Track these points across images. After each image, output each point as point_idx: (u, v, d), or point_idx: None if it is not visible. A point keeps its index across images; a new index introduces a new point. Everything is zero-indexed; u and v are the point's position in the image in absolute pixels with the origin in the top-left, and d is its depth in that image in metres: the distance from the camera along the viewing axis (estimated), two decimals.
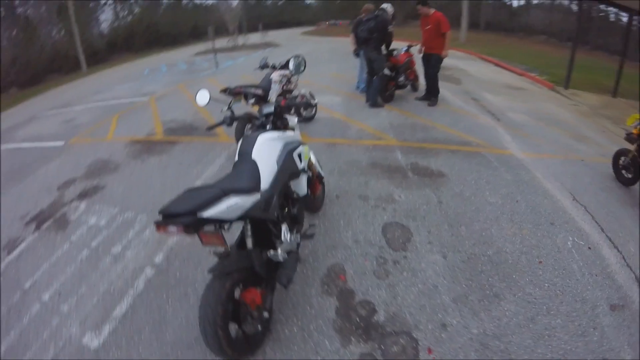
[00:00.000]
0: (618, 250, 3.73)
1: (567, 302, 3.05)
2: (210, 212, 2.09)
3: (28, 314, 3.39)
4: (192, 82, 13.46)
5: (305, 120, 7.10)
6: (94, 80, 20.43)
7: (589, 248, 3.71)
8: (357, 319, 2.90)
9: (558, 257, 3.54)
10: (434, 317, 2.88)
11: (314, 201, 4.00)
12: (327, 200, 4.37)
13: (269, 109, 3.35)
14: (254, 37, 28.63)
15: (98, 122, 9.22)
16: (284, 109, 3.36)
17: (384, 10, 7.75)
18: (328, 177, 4.83)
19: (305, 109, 6.73)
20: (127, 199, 4.91)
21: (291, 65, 5.36)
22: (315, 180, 3.93)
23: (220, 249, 2.42)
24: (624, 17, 13.03)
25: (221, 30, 31.50)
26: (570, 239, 3.82)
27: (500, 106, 8.26)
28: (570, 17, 29.02)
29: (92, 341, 2.96)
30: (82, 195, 5.19)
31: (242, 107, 5.59)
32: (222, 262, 2.40)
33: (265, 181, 2.67)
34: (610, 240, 3.86)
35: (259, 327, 2.58)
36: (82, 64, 28.28)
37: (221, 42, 26.33)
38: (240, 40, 29.51)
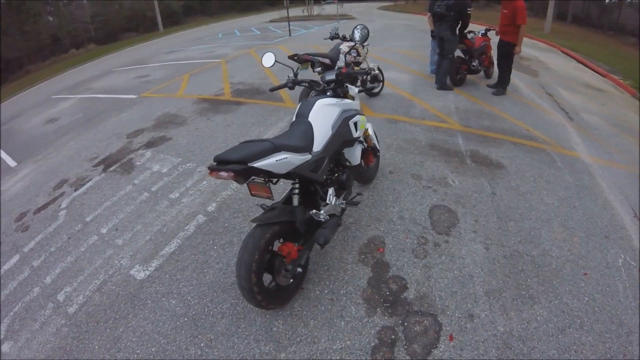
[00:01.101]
0: None
1: (603, 322, 2.86)
2: (260, 163, 2.16)
3: (85, 244, 3.65)
4: (264, 48, 13.43)
5: (371, 94, 6.95)
6: (169, 40, 20.97)
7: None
8: (387, 293, 2.89)
9: (605, 273, 3.30)
10: (463, 306, 2.81)
11: (366, 172, 3.97)
12: (380, 174, 4.30)
13: (331, 76, 3.31)
14: (330, 8, 27.95)
15: (170, 79, 9.50)
16: (344, 76, 3.30)
17: None
18: (384, 151, 4.74)
19: (369, 82, 6.59)
20: (189, 151, 5.08)
21: (356, 34, 5.22)
22: (370, 152, 3.89)
23: (267, 202, 2.49)
24: None
25: None
26: (622, 257, 3.54)
27: (575, 105, 7.64)
28: None
29: (139, 273, 3.17)
30: (149, 144, 5.43)
31: (309, 75, 5.54)
32: (266, 213, 2.49)
33: (318, 143, 2.70)
34: None
35: (291, 280, 2.66)
36: (159, 24, 28.93)
37: (296, 11, 25.99)
38: (316, 10, 28.90)
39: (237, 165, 2.09)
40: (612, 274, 3.31)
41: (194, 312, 2.80)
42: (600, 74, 11.48)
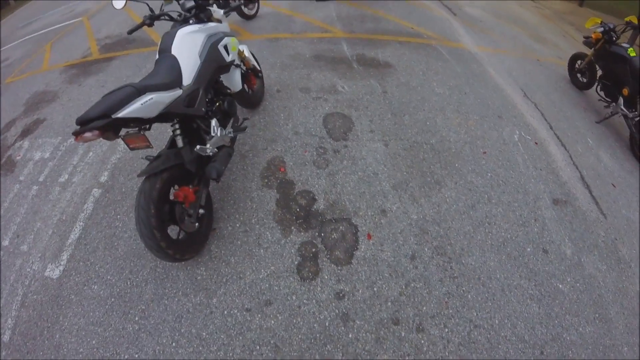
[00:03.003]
0: (565, 149, 3.86)
1: (509, 192, 3.17)
2: (125, 112, 2.03)
3: None
4: None
5: (247, 17, 6.69)
6: (23, 12, 18.60)
7: (536, 143, 3.83)
8: (297, 209, 2.94)
9: (503, 149, 3.64)
10: (374, 204, 2.93)
11: (251, 96, 3.87)
12: (268, 95, 4.22)
13: (190, 2, 3.13)
14: None
15: (31, 55, 8.51)
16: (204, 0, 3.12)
17: None
18: (269, 71, 4.64)
19: (243, 6, 6.33)
20: (67, 127, 4.69)
21: None
22: (251, 75, 3.79)
23: (151, 152, 2.36)
24: None
25: None
26: (517, 132, 3.91)
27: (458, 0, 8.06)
28: None
29: (54, 272, 2.97)
30: (24, 133, 4.92)
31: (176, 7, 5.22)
32: (152, 163, 2.39)
33: (188, 76, 2.59)
34: (558, 138, 3.98)
35: (197, 224, 2.60)
36: None
37: None
38: None
39: (100, 120, 1.94)
40: (510, 149, 3.66)
41: (118, 290, 2.68)
42: None
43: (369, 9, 6.98)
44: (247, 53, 3.65)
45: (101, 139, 2.01)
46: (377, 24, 6.25)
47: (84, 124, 1.96)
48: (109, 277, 2.79)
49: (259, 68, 3.94)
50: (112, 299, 2.66)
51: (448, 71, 4.77)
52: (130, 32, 3.18)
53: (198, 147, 2.62)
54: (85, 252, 3.02)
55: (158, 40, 6.20)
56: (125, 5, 3.10)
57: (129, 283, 2.71)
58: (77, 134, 1.96)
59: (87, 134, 1.94)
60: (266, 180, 3.20)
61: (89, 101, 5.14)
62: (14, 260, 3.25)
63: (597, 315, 2.64)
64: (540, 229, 2.96)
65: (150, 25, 3.05)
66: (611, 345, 2.53)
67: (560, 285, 2.70)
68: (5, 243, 3.45)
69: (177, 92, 2.42)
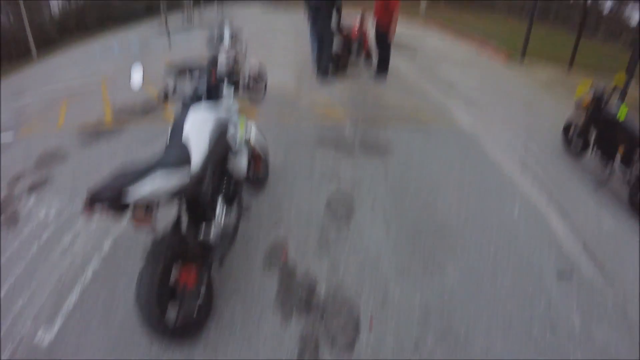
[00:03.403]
0: (566, 218, 3.89)
1: (513, 270, 3.18)
2: (134, 192, 2.08)
3: None
4: (145, 61, 13.03)
5: (254, 96, 7.00)
6: (44, 65, 19.54)
7: (536, 216, 3.85)
8: (299, 295, 2.93)
9: (504, 225, 3.68)
10: (376, 290, 2.94)
11: (257, 177, 3.97)
12: (272, 178, 4.34)
13: (203, 84, 3.30)
14: (210, 15, 27.88)
15: (48, 110, 8.88)
16: (216, 83, 3.31)
17: None
18: (274, 153, 4.80)
19: (252, 82, 6.63)
20: (75, 189, 4.79)
21: (225, 35, 5.26)
22: (257, 156, 3.90)
23: (154, 231, 2.40)
24: None
25: (176, 6, 30.41)
26: (517, 207, 3.95)
27: (453, 79, 8.40)
28: None
29: (45, 338, 2.93)
30: (32, 188, 5.03)
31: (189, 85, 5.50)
32: (155, 244, 2.40)
33: (197, 160, 2.63)
34: (558, 208, 4.02)
35: (198, 306, 2.58)
36: (32, 49, 26.88)
37: (176, 18, 25.60)
38: (196, 15, 28.66)
39: (110, 199, 2.01)
40: (511, 225, 3.72)
41: None
42: (474, 47, 12.64)
43: (370, 91, 7.30)
44: (254, 136, 3.78)
45: (109, 215, 2.06)
46: (377, 106, 6.55)
47: (94, 198, 2.01)
48: (101, 350, 2.74)
49: (265, 151, 4.06)
50: None
51: (447, 151, 4.93)
52: (146, 112, 3.34)
53: (203, 231, 2.67)
54: (79, 323, 2.96)
55: (170, 115, 6.47)
56: (142, 82, 3.33)
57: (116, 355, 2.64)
58: (86, 207, 2.01)
59: (97, 209, 1.99)
60: (268, 263, 3.23)
61: (99, 167, 5.28)
62: (7, 315, 3.21)
63: None
64: (546, 304, 2.92)
65: (165, 102, 3.22)
66: None
67: None
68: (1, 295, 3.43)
69: (186, 176, 2.47)
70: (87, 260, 3.57)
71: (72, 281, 3.36)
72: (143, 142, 5.88)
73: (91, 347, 2.77)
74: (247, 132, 3.56)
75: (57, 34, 31.86)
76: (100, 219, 3.98)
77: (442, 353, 2.57)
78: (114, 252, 3.61)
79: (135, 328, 2.77)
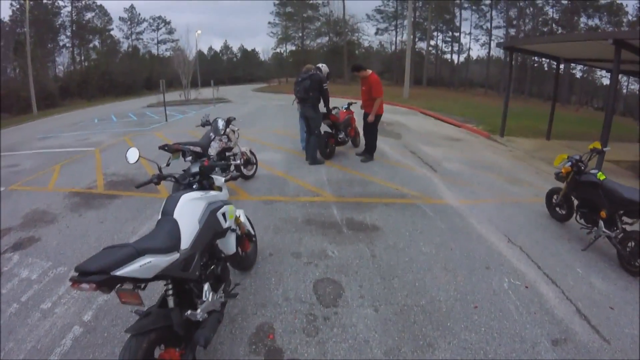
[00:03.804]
0: (556, 285, 3.85)
1: (506, 344, 3.09)
2: (123, 271, 2.12)
3: None
4: (140, 135, 13.38)
5: (245, 177, 7.15)
6: (43, 124, 20.07)
7: (526, 287, 3.83)
8: None
9: (494, 300, 3.62)
10: None
11: (244, 259, 3.98)
12: (260, 258, 4.33)
13: (195, 168, 3.42)
14: (207, 92, 29.10)
15: (40, 170, 9.00)
16: (207, 169, 3.42)
17: (318, 69, 8.19)
18: (262, 234, 4.82)
19: (242, 166, 6.81)
20: (60, 254, 4.75)
21: (219, 125, 5.50)
22: (245, 239, 3.94)
23: (140, 308, 2.40)
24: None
25: (175, 84, 31.68)
26: (506, 280, 3.92)
27: (437, 157, 8.66)
28: (506, 69, 31.59)
29: None
30: (16, 247, 5.00)
31: (181, 164, 5.62)
32: (140, 320, 2.40)
33: (186, 240, 2.70)
34: (547, 276, 4.00)
35: None
36: (33, 106, 27.52)
37: (174, 95, 26.64)
38: (193, 94, 29.88)
39: (99, 275, 2.03)
40: (501, 299, 3.65)
41: None
42: (455, 125, 13.13)
43: (357, 172, 7.51)
44: (242, 218, 3.84)
45: (96, 291, 2.06)
46: (364, 186, 6.68)
47: (83, 274, 2.03)
48: None
49: (253, 232, 4.11)
50: None
51: (433, 229, 4.97)
52: (139, 186, 3.42)
53: (189, 312, 2.63)
54: None
55: (162, 189, 6.55)
56: (138, 160, 3.42)
57: None
58: (74, 281, 2.01)
59: (85, 285, 2.00)
60: (254, 347, 3.12)
61: (86, 233, 5.23)
62: None
63: None
64: None
65: (157, 184, 3.33)
66: None
67: None
68: None
69: (175, 256, 2.50)
70: (68, 327, 3.47)
71: (49, 347, 3.26)
72: (132, 214, 5.90)
73: None
74: (236, 215, 3.62)
75: (59, 96, 32.78)
76: (86, 292, 3.93)
77: None
78: (97, 321, 3.52)
79: None
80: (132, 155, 3.47)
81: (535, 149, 10.27)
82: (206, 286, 2.90)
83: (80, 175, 8.37)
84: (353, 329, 3.24)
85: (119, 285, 2.20)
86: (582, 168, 4.87)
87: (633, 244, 4.12)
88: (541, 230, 5.10)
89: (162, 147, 5.50)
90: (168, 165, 3.52)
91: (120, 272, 2.10)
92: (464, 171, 7.69)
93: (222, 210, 3.31)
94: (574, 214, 5.05)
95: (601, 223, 4.46)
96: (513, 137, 11.43)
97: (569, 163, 4.94)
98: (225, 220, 3.33)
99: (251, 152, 7.19)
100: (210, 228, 3.08)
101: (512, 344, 3.09)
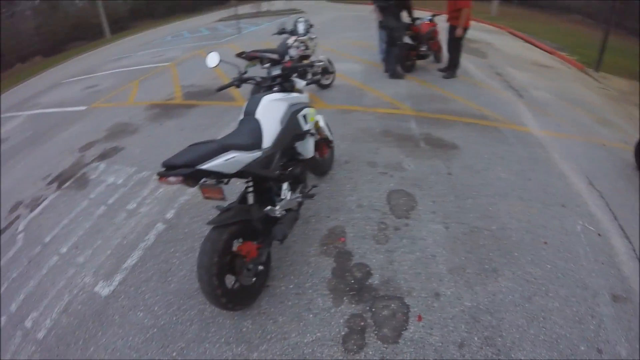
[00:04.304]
0: (629, 241, 3.66)
1: (568, 286, 3.02)
2: (208, 165, 2.19)
3: (47, 265, 3.57)
4: (214, 48, 13.31)
5: (322, 86, 7.05)
6: (116, 47, 20.50)
7: (599, 235, 3.63)
8: (352, 281, 2.94)
9: (564, 240, 3.49)
10: (428, 286, 2.89)
11: (321, 164, 4.03)
12: (336, 165, 4.37)
13: (276, 71, 3.38)
14: (279, 4, 28.08)
15: (119, 87, 9.37)
16: (289, 70, 3.37)
17: None
18: (339, 142, 4.81)
19: (320, 74, 6.68)
20: (143, 159, 5.05)
21: (299, 27, 5.33)
22: (323, 144, 3.96)
23: (223, 203, 2.51)
24: None
25: None
26: (580, 223, 3.74)
27: (524, 83, 8.02)
28: None
29: (104, 290, 3.14)
30: (102, 156, 5.37)
31: (259, 72, 5.60)
32: (222, 214, 2.51)
33: (268, 139, 2.74)
34: (622, 229, 3.78)
35: (254, 279, 2.69)
36: (106, 31, 28.14)
37: (245, 8, 25.96)
38: (265, 6, 28.90)
39: (185, 169, 2.12)
40: (572, 240, 3.50)
41: (162, 323, 2.78)
42: (547, 52, 12.04)
43: (437, 88, 7.12)
44: (322, 123, 3.83)
45: (181, 184, 2.15)
46: (444, 104, 6.36)
47: (170, 168, 2.13)
48: (156, 309, 2.87)
49: (331, 138, 4.10)
50: (155, 330, 2.72)
51: (513, 155, 4.72)
52: (219, 89, 3.47)
53: (269, 207, 2.75)
54: (139, 280, 3.14)
55: (238, 97, 6.65)
56: (218, 64, 3.37)
57: (174, 319, 2.78)
58: (161, 176, 2.13)
59: (172, 178, 2.10)
60: (325, 248, 3.25)
61: (166, 141, 5.51)
62: (68, 268, 3.43)
63: None
64: (596, 326, 2.78)
65: (238, 86, 3.33)
66: None
67: None
68: (64, 250, 3.66)
69: (257, 154, 2.57)
70: (151, 224, 3.75)
71: (134, 243, 3.55)
72: (211, 120, 6.04)
73: (147, 304, 2.93)
74: (315, 120, 3.60)
75: (129, 19, 33.03)
76: (179, 187, 4.15)
77: (486, 357, 2.51)
78: (178, 219, 3.76)
79: (192, 293, 2.92)
80: (213, 59, 3.38)
81: (631, 92, 9.26)
82: (285, 185, 2.98)
83: (158, 88, 8.55)
84: (422, 242, 3.27)
85: (203, 180, 2.28)
86: None
87: None
88: (625, 180, 4.71)
89: (240, 55, 5.39)
90: (245, 73, 3.47)
91: (205, 166, 2.17)
92: (551, 101, 7.09)
93: (303, 112, 3.28)
94: None
95: None
96: (609, 75, 10.29)
97: None
98: (306, 123, 3.32)
99: (329, 61, 6.99)
100: (291, 129, 3.08)
101: (574, 288, 3.00)
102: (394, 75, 7.78)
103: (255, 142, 2.62)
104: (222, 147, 2.33)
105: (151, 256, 3.40)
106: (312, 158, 3.59)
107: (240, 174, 2.49)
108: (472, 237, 3.36)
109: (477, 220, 3.56)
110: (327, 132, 3.99)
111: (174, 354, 2.56)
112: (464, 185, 4.06)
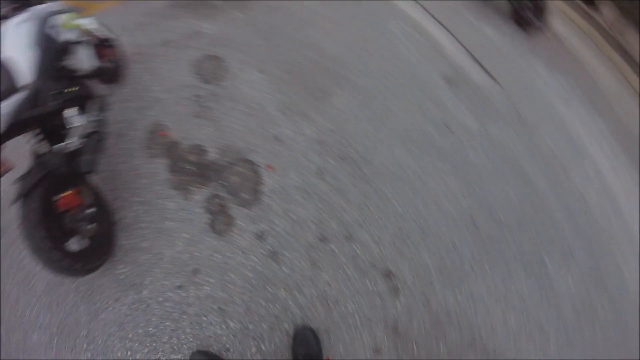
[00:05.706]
0: (449, 31, 3.73)
1: (400, 84, 3.10)
2: None
3: None
4: None
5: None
6: None
7: (419, 33, 3.65)
8: (190, 167, 2.66)
9: (385, 44, 3.48)
10: (266, 135, 2.70)
11: (113, 70, 3.36)
12: (127, 63, 3.72)
13: None
14: None
15: None
16: None
17: None
18: (121, 37, 4.08)
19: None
20: None
21: None
22: (104, 47, 3.26)
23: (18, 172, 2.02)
24: None
25: None
26: (398, 26, 3.71)
27: None
28: None
29: None
30: None
31: None
32: (21, 182, 2.04)
33: (25, 72, 2.13)
34: (440, 23, 3.83)
35: (95, 225, 2.30)
36: None
37: None
38: None
39: None
40: (392, 43, 3.57)
41: (55, 328, 2.31)
42: None
43: None
44: (93, 25, 3.12)
45: None
46: None
47: None
48: (41, 321, 2.42)
49: (112, 37, 3.41)
50: (55, 339, 2.33)
51: None
52: None
53: (56, 146, 2.24)
54: (8, 306, 2.60)
55: None
56: None
57: (61, 315, 2.37)
58: None
59: None
60: (151, 151, 2.83)
61: None
62: None
63: (516, 175, 2.63)
64: (439, 109, 2.89)
65: None
66: (536, 197, 2.55)
67: (473, 156, 2.65)
68: None
69: (17, 97, 2.01)
70: None
71: None
72: None
73: (30, 322, 2.41)
74: (77, 24, 2.89)
75: None
76: None
77: (347, 172, 2.46)
78: (3, 218, 3.04)
79: (58, 279, 2.41)
80: None
81: None
82: (70, 111, 2.41)
83: None
84: (244, 97, 3.00)
85: None
86: None
87: None
88: None
89: None
90: None
91: None
92: None
93: (55, 22, 2.61)
94: None
95: None
96: None
97: None
98: (62, 32, 2.67)
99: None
100: (47, 48, 2.44)
101: (407, 83, 3.09)
102: None
103: (9, 85, 2.02)
104: None
105: (4, 275, 2.71)
106: (98, 68, 2.95)
107: (15, 131, 1.97)
108: (292, 70, 3.16)
109: (291, 53, 3.33)
110: (105, 32, 3.27)
111: (84, 345, 2.22)
112: (267, 24, 3.72)
